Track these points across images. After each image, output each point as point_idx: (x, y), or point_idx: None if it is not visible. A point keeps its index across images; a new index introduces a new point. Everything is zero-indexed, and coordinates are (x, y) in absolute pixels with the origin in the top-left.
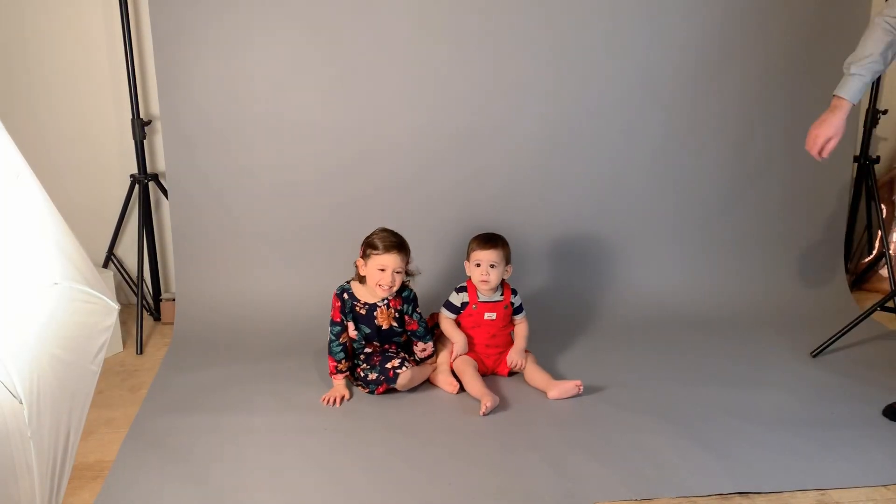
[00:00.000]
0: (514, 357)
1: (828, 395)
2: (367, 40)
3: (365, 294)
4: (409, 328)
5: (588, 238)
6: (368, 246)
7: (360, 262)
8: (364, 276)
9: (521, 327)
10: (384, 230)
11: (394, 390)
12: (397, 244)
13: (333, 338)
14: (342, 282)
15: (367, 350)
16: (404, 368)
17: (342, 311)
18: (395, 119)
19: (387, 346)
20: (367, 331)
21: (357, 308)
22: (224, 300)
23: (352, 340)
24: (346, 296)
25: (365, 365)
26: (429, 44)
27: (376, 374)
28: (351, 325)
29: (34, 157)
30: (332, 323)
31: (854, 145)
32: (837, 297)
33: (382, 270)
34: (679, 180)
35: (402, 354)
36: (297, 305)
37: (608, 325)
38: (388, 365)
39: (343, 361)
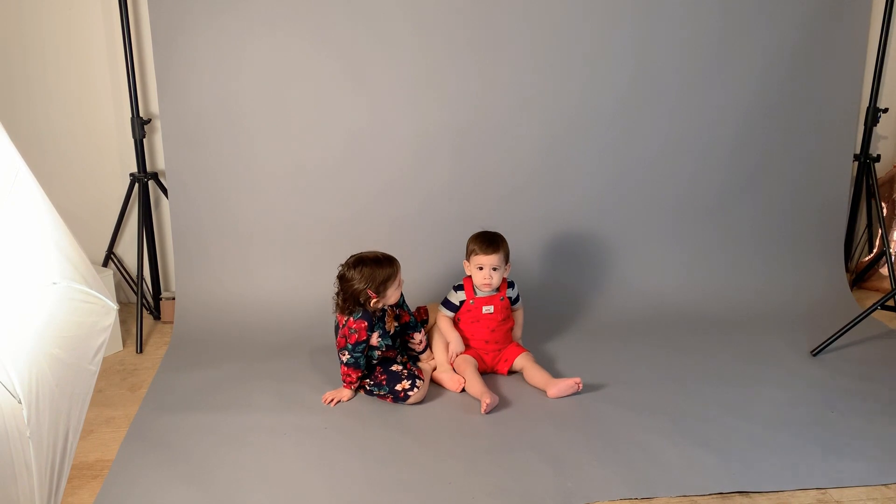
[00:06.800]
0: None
1: (828, 394)
2: (366, 40)
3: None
4: (402, 321)
5: (587, 237)
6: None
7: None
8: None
9: (517, 314)
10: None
11: None
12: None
13: (359, 355)
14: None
15: (380, 358)
16: (415, 390)
17: (370, 329)
18: (394, 118)
19: (393, 352)
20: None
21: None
22: (224, 299)
23: (372, 350)
24: (377, 314)
25: (371, 381)
26: (429, 43)
27: (384, 392)
28: (376, 335)
29: (33, 156)
30: (357, 344)
31: (854, 143)
32: (837, 295)
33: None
34: (679, 179)
35: (409, 367)
36: (297, 304)
37: (608, 324)
38: (398, 387)
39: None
